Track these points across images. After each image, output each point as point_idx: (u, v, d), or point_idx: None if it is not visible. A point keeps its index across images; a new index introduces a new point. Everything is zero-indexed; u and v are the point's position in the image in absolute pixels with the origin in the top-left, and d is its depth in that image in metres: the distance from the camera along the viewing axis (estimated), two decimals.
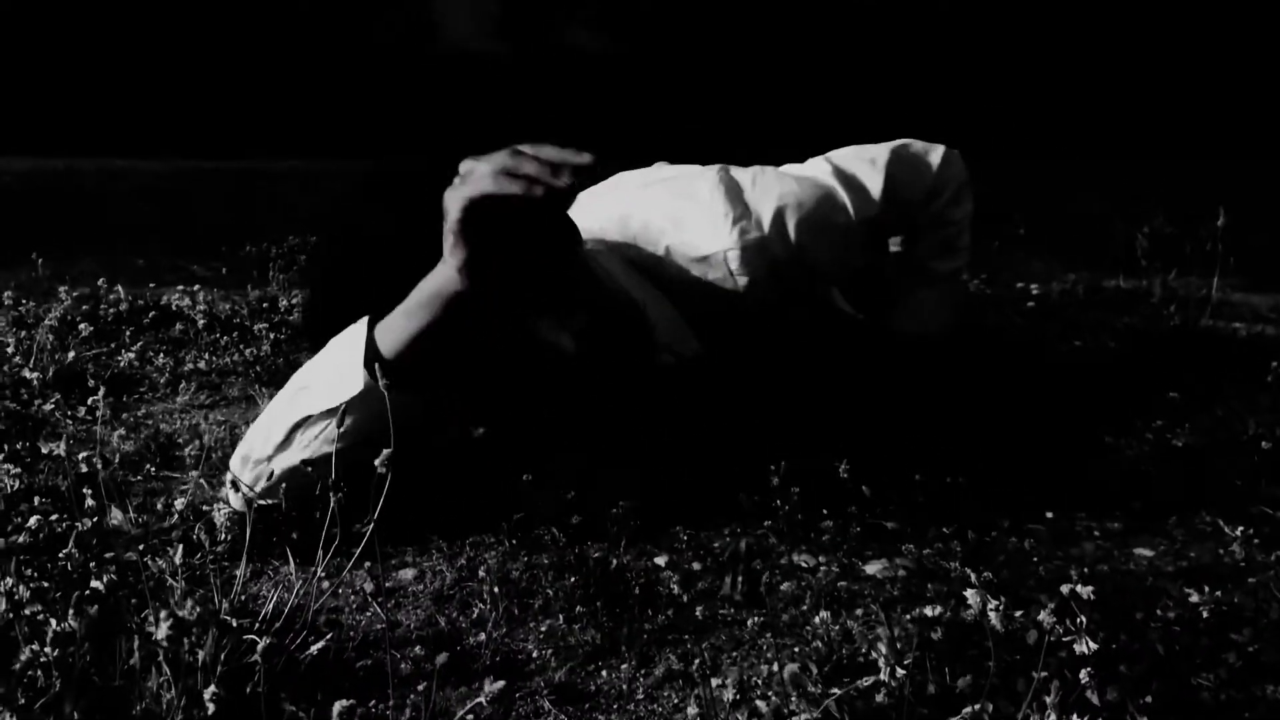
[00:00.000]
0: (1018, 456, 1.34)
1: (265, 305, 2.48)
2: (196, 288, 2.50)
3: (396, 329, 1.00)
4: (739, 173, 1.32)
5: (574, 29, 38.51)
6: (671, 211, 1.30)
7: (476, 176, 0.93)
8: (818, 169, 1.34)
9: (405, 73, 31.83)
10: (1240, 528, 1.09)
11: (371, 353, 1.01)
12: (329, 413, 1.00)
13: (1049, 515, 1.17)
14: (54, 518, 1.05)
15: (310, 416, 1.03)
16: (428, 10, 37.80)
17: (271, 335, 2.02)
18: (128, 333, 2.06)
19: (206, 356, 1.89)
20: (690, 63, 32.60)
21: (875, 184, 1.30)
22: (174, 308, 2.17)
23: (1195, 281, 3.27)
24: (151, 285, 2.76)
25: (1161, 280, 3.13)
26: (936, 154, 1.37)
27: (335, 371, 1.02)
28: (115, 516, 1.11)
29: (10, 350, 1.75)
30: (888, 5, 30.04)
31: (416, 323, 0.99)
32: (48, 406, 1.56)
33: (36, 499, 1.11)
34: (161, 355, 1.88)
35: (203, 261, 3.43)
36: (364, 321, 1.04)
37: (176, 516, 1.10)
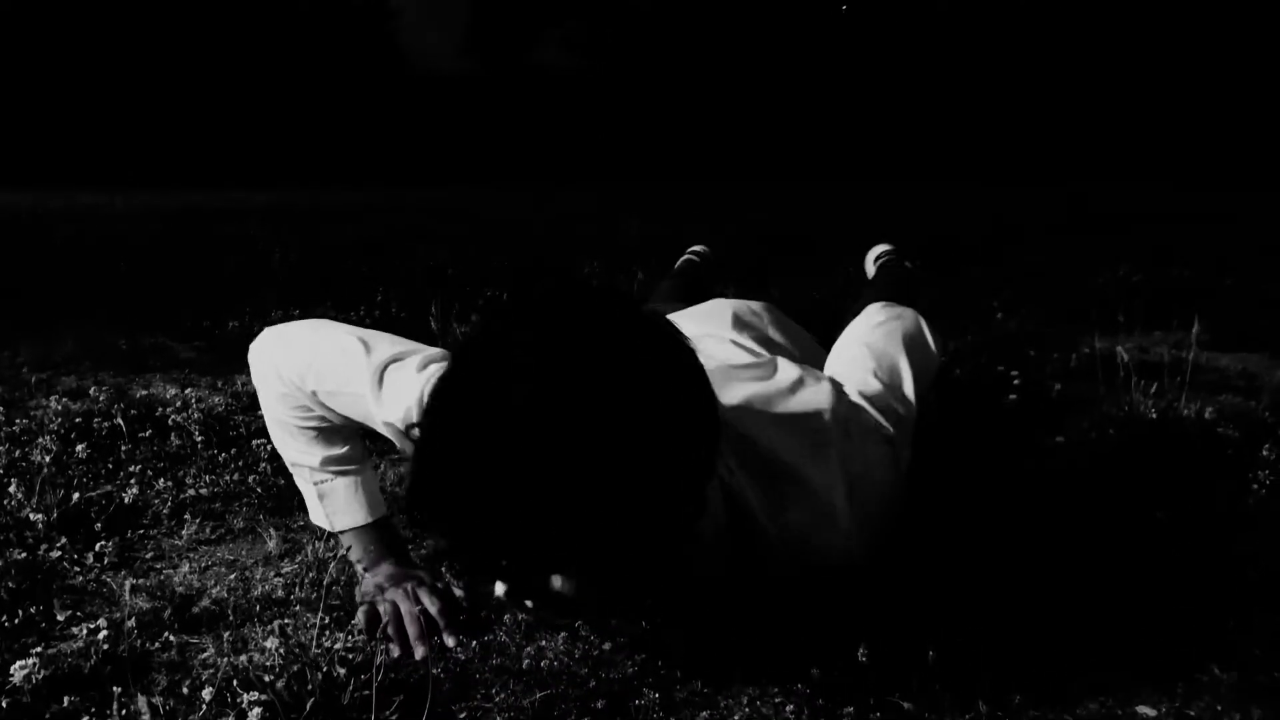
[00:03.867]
0: (1018, 594, 1.39)
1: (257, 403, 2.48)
2: (188, 391, 2.49)
3: None
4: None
5: (543, 47, 38.65)
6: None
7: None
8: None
9: (375, 97, 31.73)
10: (1233, 673, 1.15)
11: None
12: None
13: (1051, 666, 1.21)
14: None
15: None
16: (393, 34, 37.76)
17: (269, 446, 2.03)
18: (123, 449, 2.06)
19: (207, 479, 1.90)
20: (658, 80, 32.74)
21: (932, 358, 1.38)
22: (170, 421, 2.17)
23: (1164, 337, 3.36)
24: (141, 388, 2.75)
25: (1132, 340, 3.22)
26: (926, 329, 1.45)
27: None
28: (142, 710, 1.13)
29: (12, 488, 1.74)
30: (850, 31, 30.41)
31: None
32: (55, 554, 1.56)
33: (65, 699, 1.11)
34: (161, 479, 1.88)
35: (186, 339, 3.42)
36: None
37: (204, 707, 1.11)
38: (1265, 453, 1.86)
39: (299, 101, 30.30)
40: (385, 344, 1.24)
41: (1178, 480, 1.78)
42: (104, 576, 1.51)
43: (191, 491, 1.85)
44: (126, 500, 1.75)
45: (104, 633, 1.26)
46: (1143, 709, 1.14)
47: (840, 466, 1.12)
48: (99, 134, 27.53)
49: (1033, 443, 2.02)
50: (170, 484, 1.87)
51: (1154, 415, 2.04)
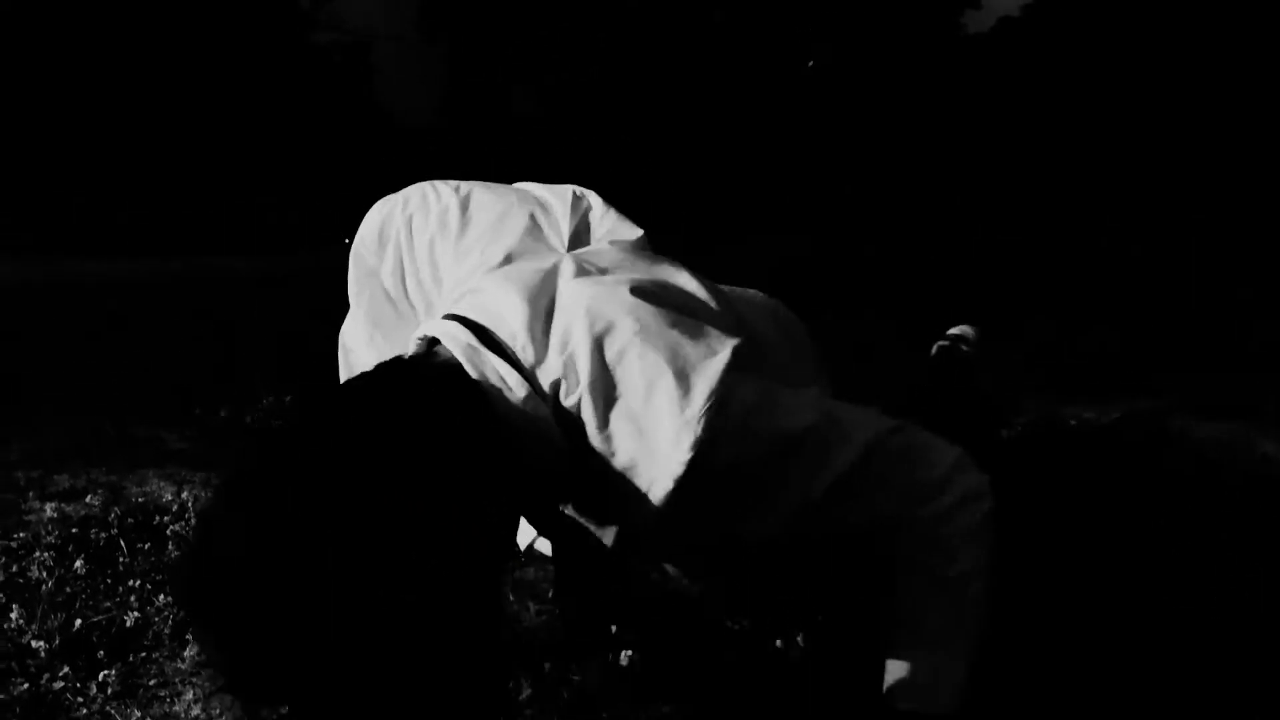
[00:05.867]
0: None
1: None
2: (184, 495, 2.50)
3: None
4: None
5: (519, 99, 39.11)
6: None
7: None
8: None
9: (355, 154, 31.89)
10: None
11: None
12: None
13: None
14: None
15: None
16: (369, 87, 38.12)
17: None
18: (121, 561, 2.06)
19: None
20: (624, 129, 33.10)
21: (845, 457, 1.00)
22: (168, 531, 2.18)
23: (1148, 404, 3.42)
24: (135, 486, 2.76)
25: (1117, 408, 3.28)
26: (945, 454, 1.03)
27: None
28: None
29: (14, 614, 1.74)
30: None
31: None
32: (58, 684, 1.56)
33: None
34: (161, 594, 1.89)
35: (177, 428, 3.43)
36: None
37: None
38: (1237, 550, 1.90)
39: (276, 161, 30.42)
40: None
41: (1147, 568, 1.82)
42: (109, 708, 1.51)
43: None
44: (129, 624, 1.75)
45: None
46: None
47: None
48: (72, 196, 27.48)
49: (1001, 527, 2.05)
50: (170, 600, 1.87)
51: (1131, 495, 2.09)
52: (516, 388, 0.93)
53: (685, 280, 1.08)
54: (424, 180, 1.25)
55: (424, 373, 0.95)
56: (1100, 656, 1.53)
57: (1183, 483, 2.42)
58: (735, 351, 0.95)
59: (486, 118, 36.57)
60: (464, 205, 1.19)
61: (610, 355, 0.92)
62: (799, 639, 1.58)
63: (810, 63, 29.73)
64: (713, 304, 1.07)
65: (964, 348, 1.87)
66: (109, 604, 1.86)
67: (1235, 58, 22.71)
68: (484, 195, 1.21)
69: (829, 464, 0.97)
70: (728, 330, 1.00)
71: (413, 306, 1.24)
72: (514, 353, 0.95)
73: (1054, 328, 5.37)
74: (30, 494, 2.61)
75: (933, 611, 1.03)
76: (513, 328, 0.96)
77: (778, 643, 1.56)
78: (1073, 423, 3.10)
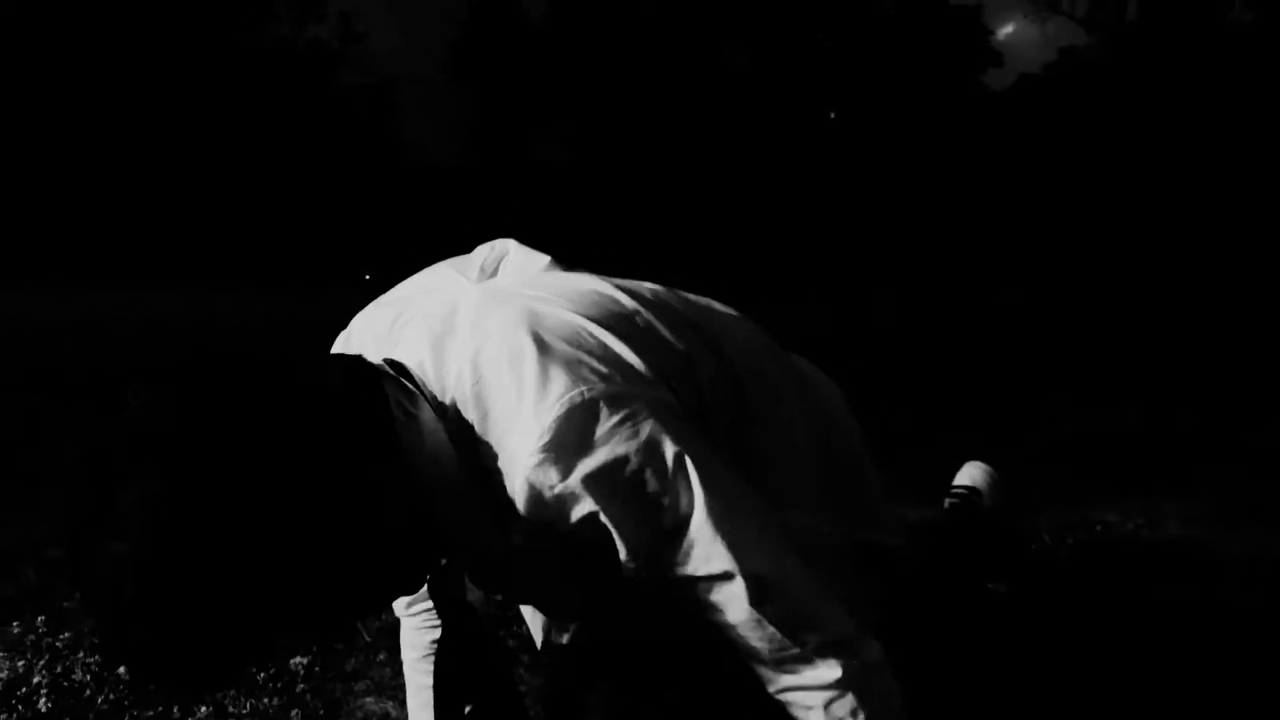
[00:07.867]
0: None
1: None
2: None
3: None
4: None
5: (542, 143, 39.56)
6: None
7: None
8: None
9: (377, 190, 32.24)
10: None
11: None
12: None
13: None
14: None
15: None
16: (395, 127, 38.67)
17: (304, 663, 2.07)
18: None
19: (248, 705, 1.94)
20: (644, 175, 33.28)
21: None
22: None
23: (1172, 509, 3.39)
24: None
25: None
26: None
27: None
28: None
29: None
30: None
31: None
32: None
33: None
34: (204, 707, 1.92)
35: None
36: None
37: None
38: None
39: (302, 198, 30.75)
40: None
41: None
42: None
43: (233, 712, 1.89)
44: None
45: None
46: None
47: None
48: (98, 229, 27.77)
49: (1020, 647, 2.03)
50: (211, 710, 1.90)
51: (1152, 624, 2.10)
52: (417, 409, 0.95)
53: (608, 292, 1.08)
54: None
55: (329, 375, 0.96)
56: None
57: (1208, 606, 2.41)
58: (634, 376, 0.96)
59: (510, 159, 37.00)
60: (391, 295, 1.22)
61: (484, 363, 0.94)
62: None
63: (831, 114, 29.97)
64: (640, 318, 1.05)
65: (979, 501, 1.81)
66: (151, 714, 1.90)
67: (1254, 110, 22.70)
68: (409, 282, 1.23)
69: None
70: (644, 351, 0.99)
71: None
72: (420, 382, 0.98)
73: (1074, 406, 5.31)
74: (62, 572, 2.63)
75: None
76: (419, 356, 0.99)
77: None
78: (1099, 529, 3.09)
